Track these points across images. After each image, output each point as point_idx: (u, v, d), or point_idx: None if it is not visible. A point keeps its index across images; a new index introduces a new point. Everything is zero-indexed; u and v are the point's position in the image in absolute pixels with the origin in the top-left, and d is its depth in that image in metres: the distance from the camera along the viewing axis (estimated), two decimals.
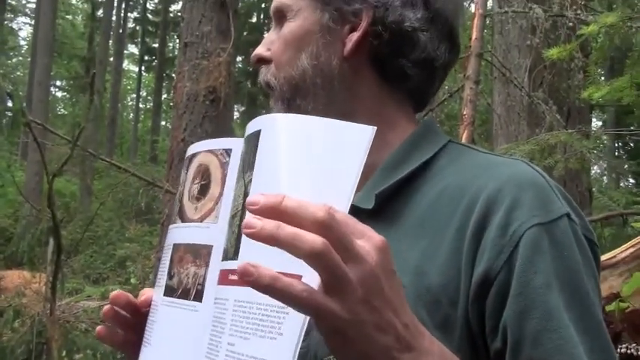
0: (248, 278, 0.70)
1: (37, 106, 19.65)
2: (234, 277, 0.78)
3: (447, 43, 1.17)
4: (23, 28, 45.19)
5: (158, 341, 0.99)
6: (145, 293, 1.05)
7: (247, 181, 0.83)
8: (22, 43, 41.56)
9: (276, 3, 1.20)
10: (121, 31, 33.26)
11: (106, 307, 1.06)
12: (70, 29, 38.05)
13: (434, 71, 1.18)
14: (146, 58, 38.41)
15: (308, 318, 0.74)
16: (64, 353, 5.34)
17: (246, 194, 0.82)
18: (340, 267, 0.71)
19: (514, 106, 7.48)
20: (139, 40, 37.48)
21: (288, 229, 0.70)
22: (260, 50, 1.22)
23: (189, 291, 0.95)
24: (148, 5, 37.42)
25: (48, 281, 5.76)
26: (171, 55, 33.72)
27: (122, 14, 34.09)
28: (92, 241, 15.66)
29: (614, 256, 3.44)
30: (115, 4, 32.14)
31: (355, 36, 1.13)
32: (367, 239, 0.75)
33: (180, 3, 13.77)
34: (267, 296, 0.71)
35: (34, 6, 33.51)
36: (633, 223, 5.76)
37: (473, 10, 5.84)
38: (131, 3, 36.46)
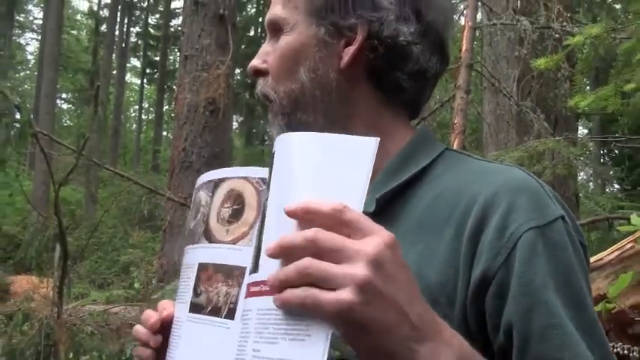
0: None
1: (43, 117, 19.65)
2: (256, 289, 0.83)
3: (438, 54, 1.17)
4: (30, 43, 45.14)
5: (183, 357, 1.00)
6: (167, 308, 1.06)
7: (264, 199, 0.87)
8: (30, 57, 41.61)
9: (271, 16, 1.19)
10: (123, 45, 33.28)
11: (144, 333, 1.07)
12: (75, 44, 38.06)
13: (426, 82, 1.18)
14: (148, 70, 38.41)
15: None
16: (71, 355, 5.34)
17: (263, 211, 0.86)
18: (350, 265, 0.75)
19: (503, 114, 7.48)
20: (141, 53, 37.49)
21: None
22: (256, 62, 1.21)
23: (220, 309, 0.96)
24: (149, 20, 37.43)
25: (55, 286, 5.76)
26: (172, 67, 33.71)
27: (125, 29, 34.12)
28: (97, 247, 15.65)
29: (601, 259, 3.44)
30: (118, 19, 32.19)
31: (352, 50, 1.12)
32: (377, 235, 0.78)
33: (181, 18, 13.79)
34: None
35: (40, 22, 33.59)
36: (618, 227, 5.76)
37: (463, 23, 5.85)
38: (133, 18, 36.49)
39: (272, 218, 0.84)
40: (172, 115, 13.93)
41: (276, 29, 1.18)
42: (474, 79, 6.73)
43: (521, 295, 0.93)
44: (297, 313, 0.76)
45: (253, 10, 32.81)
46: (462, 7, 7.18)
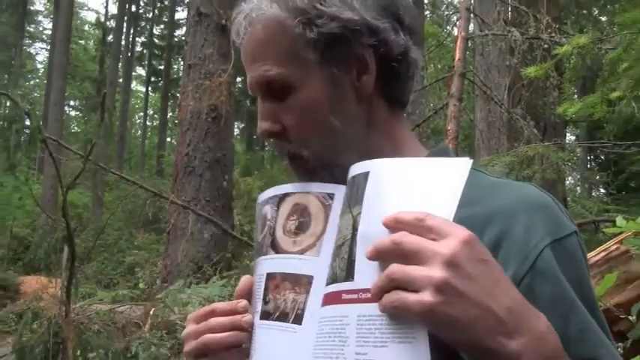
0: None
1: (52, 124, 19.63)
2: (353, 296, 0.86)
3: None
4: (40, 52, 45.23)
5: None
6: (248, 309, 1.07)
7: (356, 214, 0.90)
8: (39, 66, 41.66)
9: (272, 77, 1.09)
10: (129, 54, 33.28)
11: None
12: (83, 53, 38.09)
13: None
14: (153, 79, 38.47)
15: None
16: (78, 352, 5.33)
17: (355, 225, 0.90)
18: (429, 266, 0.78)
19: (494, 121, 7.51)
20: (146, 62, 37.50)
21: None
22: (267, 126, 1.11)
23: (287, 314, 0.99)
24: (154, 30, 37.46)
25: (63, 286, 5.74)
26: (175, 76, 33.78)
27: (130, 39, 34.10)
28: (103, 248, 15.64)
29: (588, 260, 3.44)
30: (124, 30, 32.17)
31: (370, 79, 1.09)
32: (453, 235, 0.79)
33: (185, 28, 13.81)
34: None
35: (50, 32, 33.59)
36: (604, 229, 5.76)
37: (456, 34, 5.86)
38: (139, 28, 36.49)
39: (367, 237, 0.86)
40: (176, 121, 13.93)
41: (283, 88, 1.08)
42: (466, 88, 6.74)
43: (555, 302, 0.94)
44: (400, 316, 0.79)
45: None
46: (454, 18, 7.19)
